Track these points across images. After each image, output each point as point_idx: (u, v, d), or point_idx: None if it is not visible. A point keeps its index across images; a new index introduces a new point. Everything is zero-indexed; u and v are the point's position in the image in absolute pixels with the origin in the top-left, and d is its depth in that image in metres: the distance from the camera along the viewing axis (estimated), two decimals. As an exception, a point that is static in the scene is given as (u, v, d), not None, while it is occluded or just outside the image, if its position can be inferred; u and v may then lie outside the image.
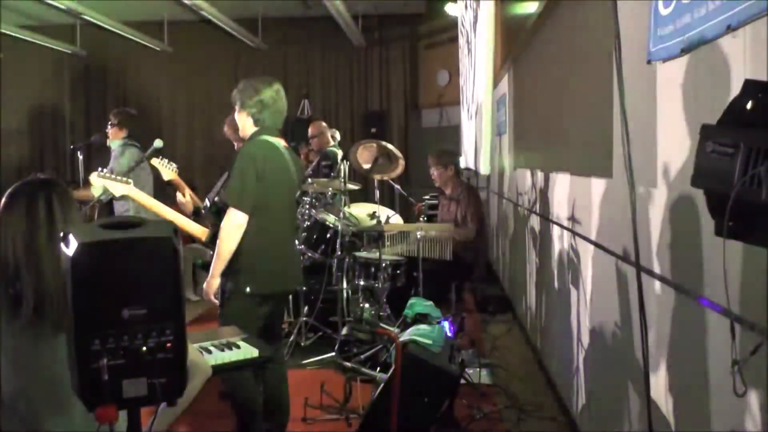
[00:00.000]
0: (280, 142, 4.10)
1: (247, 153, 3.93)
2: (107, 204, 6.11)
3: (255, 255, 3.91)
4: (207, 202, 4.84)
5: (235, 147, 5.02)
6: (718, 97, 2.12)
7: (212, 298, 3.94)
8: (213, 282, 3.91)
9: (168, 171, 5.24)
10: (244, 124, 4.07)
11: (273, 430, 4.13)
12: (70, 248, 1.77)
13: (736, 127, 1.52)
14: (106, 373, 1.78)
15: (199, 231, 4.29)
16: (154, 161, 5.53)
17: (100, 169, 4.34)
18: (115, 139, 6.40)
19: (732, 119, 1.57)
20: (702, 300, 2.34)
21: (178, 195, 4.81)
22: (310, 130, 8.25)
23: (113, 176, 4.31)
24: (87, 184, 5.42)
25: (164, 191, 6.00)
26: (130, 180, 4.29)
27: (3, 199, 2.32)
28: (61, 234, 1.83)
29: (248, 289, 3.90)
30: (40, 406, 2.20)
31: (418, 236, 5.96)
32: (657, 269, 2.80)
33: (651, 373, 2.68)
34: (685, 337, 2.57)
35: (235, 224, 3.83)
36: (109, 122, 6.44)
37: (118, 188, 4.24)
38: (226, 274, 3.94)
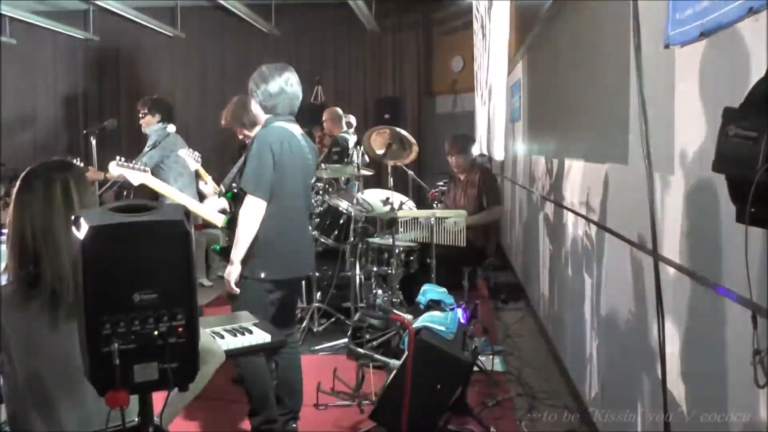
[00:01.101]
0: (296, 128, 4.09)
1: (263, 139, 3.91)
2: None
3: (269, 241, 3.91)
4: (222, 188, 4.85)
5: (238, 134, 5.04)
6: (737, 81, 2.08)
7: (233, 285, 3.93)
8: (234, 269, 3.89)
9: (193, 162, 5.27)
10: (257, 111, 4.10)
11: (285, 415, 4.14)
12: (80, 232, 1.76)
13: (759, 111, 1.48)
14: (117, 358, 1.77)
15: (217, 217, 4.29)
16: (182, 152, 5.55)
17: (118, 158, 4.33)
18: (149, 126, 6.37)
19: (755, 103, 1.53)
20: (719, 289, 2.30)
21: (200, 183, 4.82)
22: (324, 114, 8.28)
23: (130, 165, 4.30)
24: (101, 169, 5.45)
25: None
26: (147, 168, 4.27)
27: (19, 181, 2.32)
28: (73, 217, 1.82)
29: (262, 275, 3.91)
30: (53, 389, 2.20)
31: (453, 224, 5.95)
32: (673, 257, 2.77)
33: (668, 363, 2.65)
34: (701, 327, 2.54)
35: (253, 211, 3.82)
36: (140, 113, 6.39)
37: (135, 176, 4.24)
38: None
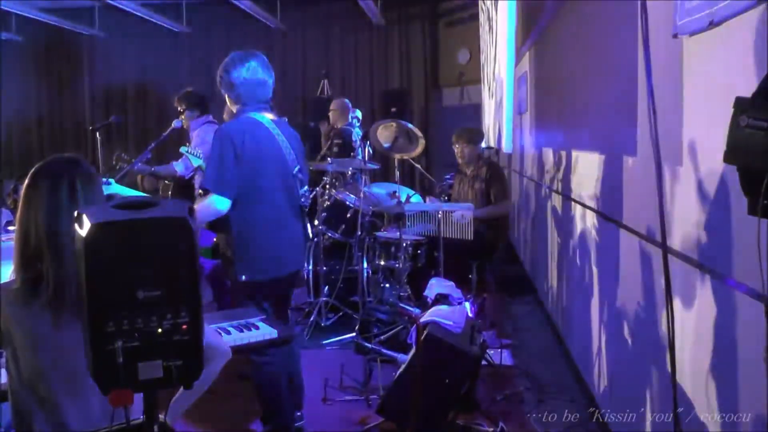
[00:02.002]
0: (265, 117, 3.88)
1: (224, 134, 3.73)
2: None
3: (247, 241, 3.78)
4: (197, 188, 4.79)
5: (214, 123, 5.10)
6: (747, 71, 2.05)
7: None
8: None
9: (195, 158, 5.26)
10: (228, 105, 3.96)
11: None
12: (83, 229, 1.75)
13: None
14: (121, 356, 1.76)
15: None
16: (182, 149, 5.53)
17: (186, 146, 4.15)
18: (190, 121, 6.34)
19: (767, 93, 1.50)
20: (730, 281, 2.27)
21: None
22: (331, 105, 8.29)
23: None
24: (105, 165, 5.44)
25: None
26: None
27: (27, 179, 2.31)
28: (75, 215, 1.80)
29: (243, 278, 3.78)
30: (58, 388, 2.19)
31: (461, 217, 5.92)
32: (683, 249, 2.74)
33: (677, 356, 2.63)
34: (711, 320, 2.51)
35: (213, 211, 3.65)
36: (179, 109, 6.37)
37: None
38: (225, 264, 3.87)
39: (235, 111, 3.92)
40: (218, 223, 3.80)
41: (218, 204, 3.63)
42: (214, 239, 4.10)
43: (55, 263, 2.17)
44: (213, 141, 3.75)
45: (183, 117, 6.28)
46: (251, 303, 3.75)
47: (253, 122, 3.81)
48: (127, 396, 1.79)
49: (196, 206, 3.53)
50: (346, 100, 8.43)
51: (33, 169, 2.31)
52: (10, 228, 4.09)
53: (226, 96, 3.91)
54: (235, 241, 3.77)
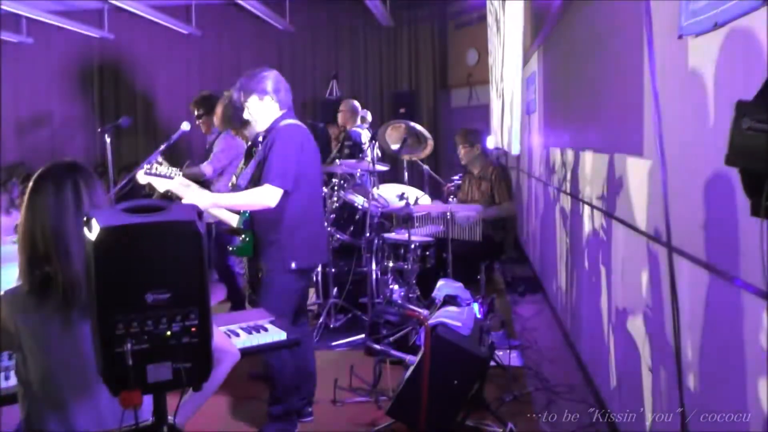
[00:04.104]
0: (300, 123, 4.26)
1: (289, 133, 4.06)
2: None
3: (296, 231, 4.04)
4: (236, 182, 4.84)
5: (232, 134, 5.32)
6: (752, 72, 2.05)
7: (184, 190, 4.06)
8: (202, 199, 3.94)
9: (162, 180, 5.26)
10: (268, 110, 4.14)
11: (302, 400, 4.25)
12: (92, 232, 1.77)
13: (775, 104, 1.46)
14: (131, 358, 1.78)
15: (230, 217, 4.27)
16: (146, 167, 5.54)
17: (145, 165, 4.26)
18: (212, 127, 6.43)
19: (770, 95, 1.51)
20: (737, 281, 2.28)
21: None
22: (340, 106, 8.29)
23: (158, 171, 4.21)
24: (116, 167, 5.46)
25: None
26: (174, 173, 4.17)
27: (31, 183, 2.33)
28: (85, 218, 1.82)
29: (293, 265, 4.01)
30: (67, 390, 2.21)
31: (459, 217, 5.92)
32: (689, 250, 2.74)
33: (683, 355, 2.63)
34: (719, 320, 2.51)
35: (268, 200, 3.90)
36: (195, 113, 6.42)
37: (161, 184, 4.17)
38: (267, 251, 4.06)
39: (273, 118, 4.16)
40: (267, 216, 4.01)
41: (275, 196, 3.90)
42: (242, 237, 4.17)
43: (64, 265, 2.19)
44: (278, 138, 4.02)
45: (200, 122, 6.34)
46: (286, 291, 4.03)
47: (302, 127, 4.20)
48: (137, 398, 1.81)
49: (248, 195, 3.97)
50: (356, 102, 8.44)
51: (36, 174, 2.34)
52: (7, 237, 4.11)
53: (271, 100, 4.13)
54: (289, 232, 4.02)
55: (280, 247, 4.02)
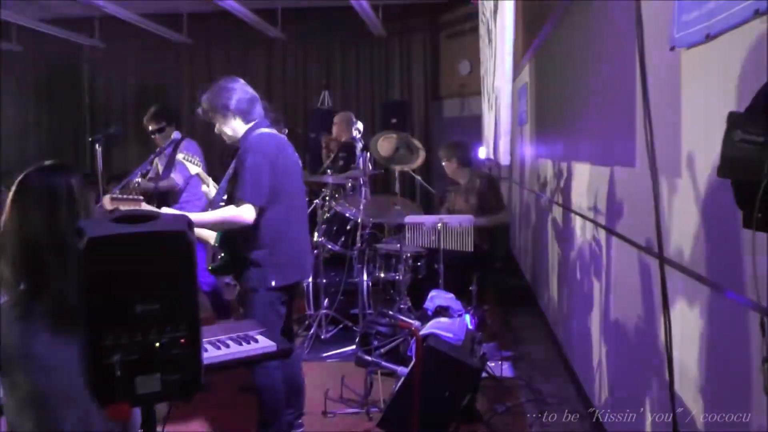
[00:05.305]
0: (276, 133, 4.10)
1: (257, 146, 3.90)
2: None
3: (275, 247, 3.89)
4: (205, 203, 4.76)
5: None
6: (745, 84, 2.06)
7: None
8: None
9: (193, 166, 5.23)
10: (234, 126, 4.01)
11: (291, 415, 4.15)
12: (81, 242, 1.75)
13: (767, 116, 1.46)
14: (119, 370, 1.76)
15: (209, 234, 4.19)
16: (179, 156, 5.52)
17: (113, 190, 4.22)
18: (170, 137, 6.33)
19: (762, 107, 1.51)
20: (729, 293, 2.28)
21: (203, 186, 4.77)
22: (335, 118, 8.25)
23: (123, 196, 4.14)
24: (106, 176, 5.42)
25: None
26: (140, 198, 4.13)
27: (15, 186, 2.23)
28: (76, 229, 1.79)
29: (273, 283, 3.88)
30: (56, 403, 2.16)
31: (438, 228, 5.89)
32: (681, 261, 2.74)
33: (675, 367, 2.63)
34: (711, 332, 2.51)
35: (243, 219, 3.77)
36: (154, 129, 6.31)
37: (129, 208, 4.06)
38: (246, 271, 3.91)
39: (241, 132, 4.02)
40: (244, 234, 3.88)
41: (251, 213, 3.77)
42: (221, 254, 4.08)
43: (57, 274, 2.13)
44: (248, 151, 3.86)
45: (157, 136, 6.21)
46: (270, 310, 3.89)
47: (275, 136, 4.03)
48: (125, 410, 1.79)
49: (222, 214, 3.80)
50: (351, 114, 8.42)
51: (21, 177, 2.23)
52: None
53: (234, 116, 3.99)
54: (268, 249, 3.88)
55: (259, 266, 3.88)
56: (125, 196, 4.05)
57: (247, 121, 4.01)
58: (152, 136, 6.24)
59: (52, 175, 2.23)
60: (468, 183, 6.72)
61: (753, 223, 1.44)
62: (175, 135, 5.89)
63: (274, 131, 4.07)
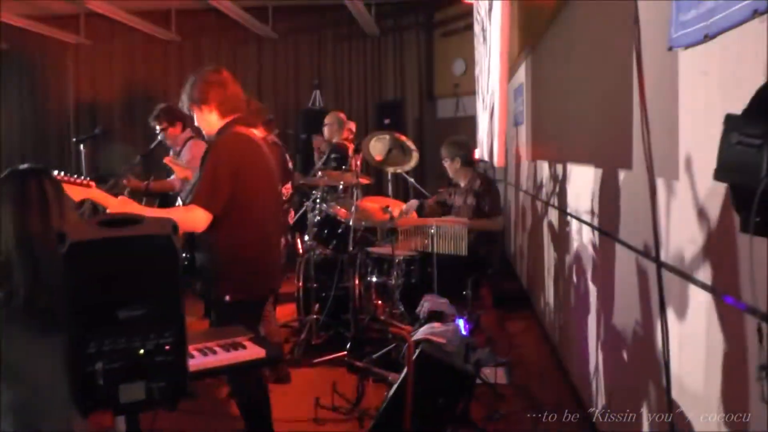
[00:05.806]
0: (254, 133, 3.86)
1: (221, 148, 3.64)
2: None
3: (232, 261, 3.64)
4: (179, 201, 4.65)
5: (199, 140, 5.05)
6: (743, 85, 2.02)
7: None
8: (119, 204, 3.52)
9: (179, 168, 5.19)
10: (210, 120, 3.77)
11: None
12: (63, 246, 1.70)
13: (764, 117, 1.43)
14: (102, 378, 1.71)
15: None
16: (165, 159, 5.46)
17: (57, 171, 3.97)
18: (176, 138, 6.22)
19: (759, 109, 1.48)
20: (727, 298, 2.24)
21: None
22: (326, 119, 8.18)
23: (70, 178, 3.90)
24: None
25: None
26: (91, 182, 3.88)
27: None
28: (57, 233, 1.74)
29: (227, 298, 3.62)
30: (37, 413, 2.12)
31: (432, 231, 5.85)
32: (678, 265, 2.70)
33: (673, 372, 2.59)
34: (709, 337, 2.47)
35: (195, 225, 3.51)
36: (159, 128, 6.22)
37: (76, 193, 3.62)
38: (206, 283, 3.75)
39: (216, 128, 3.79)
40: (203, 241, 3.68)
41: (203, 219, 3.50)
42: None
43: (27, 271, 2.08)
44: (212, 152, 3.64)
45: (166, 134, 6.12)
46: (229, 323, 3.52)
47: (246, 138, 3.74)
48: (108, 419, 1.75)
49: (172, 214, 3.53)
50: (342, 115, 8.36)
51: None
52: None
53: (209, 110, 3.76)
54: (223, 260, 3.64)
55: (216, 277, 3.65)
56: (72, 179, 3.75)
57: (223, 116, 3.75)
58: (158, 136, 6.15)
59: (24, 178, 2.20)
60: (468, 184, 6.68)
61: (750, 227, 1.41)
62: (183, 135, 5.82)
63: (254, 131, 3.85)
